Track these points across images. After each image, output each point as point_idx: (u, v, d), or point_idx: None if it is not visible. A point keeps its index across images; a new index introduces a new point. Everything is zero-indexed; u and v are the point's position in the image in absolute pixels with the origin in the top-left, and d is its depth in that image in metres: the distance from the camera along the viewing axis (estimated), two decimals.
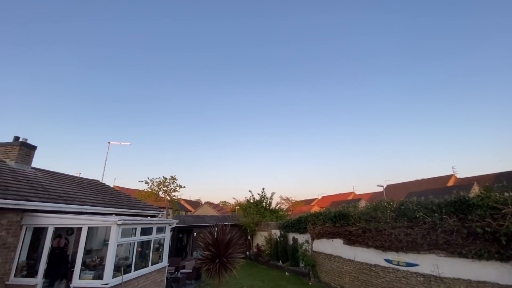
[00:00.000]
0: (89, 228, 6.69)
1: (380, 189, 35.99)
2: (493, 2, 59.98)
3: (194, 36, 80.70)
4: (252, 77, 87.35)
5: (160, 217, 11.70)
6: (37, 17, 61.21)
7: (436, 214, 7.94)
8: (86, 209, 8.00)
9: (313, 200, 64.61)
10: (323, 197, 63.00)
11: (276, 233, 18.38)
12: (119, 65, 76.04)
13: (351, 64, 77.69)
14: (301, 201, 63.46)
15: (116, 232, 6.50)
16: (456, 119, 73.69)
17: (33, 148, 9.65)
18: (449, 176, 37.70)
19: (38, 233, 6.89)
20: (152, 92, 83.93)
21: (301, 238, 15.36)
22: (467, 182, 30.90)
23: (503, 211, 6.38)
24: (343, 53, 77.00)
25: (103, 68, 73.55)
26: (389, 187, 43.08)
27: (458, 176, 37.42)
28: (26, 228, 6.58)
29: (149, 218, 10.18)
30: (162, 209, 13.74)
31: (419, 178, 42.62)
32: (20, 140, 9.25)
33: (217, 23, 79.95)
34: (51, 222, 6.62)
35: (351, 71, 79.45)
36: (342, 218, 11.99)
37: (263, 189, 24.67)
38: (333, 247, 12.39)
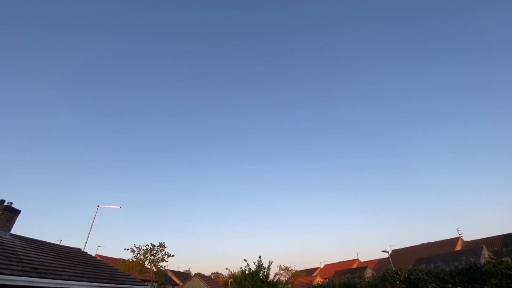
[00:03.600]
0: None
1: (386, 255, 33.51)
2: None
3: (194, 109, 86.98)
4: (251, 141, 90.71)
5: None
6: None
7: (449, 285, 7.28)
8: (61, 283, 7.11)
9: (315, 269, 58.98)
10: (325, 265, 57.78)
11: None
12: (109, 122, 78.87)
13: (352, 135, 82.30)
14: (302, 271, 57.73)
15: None
16: (459, 179, 74.42)
17: (17, 212, 9.18)
18: (456, 239, 35.98)
19: None
20: (144, 154, 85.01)
21: None
22: (475, 246, 29.36)
23: None
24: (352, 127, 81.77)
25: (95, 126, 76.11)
26: (395, 253, 40.32)
27: (464, 238, 35.80)
28: None
29: None
30: (146, 283, 12.29)
31: (425, 241, 40.60)
32: (6, 203, 8.86)
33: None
34: None
35: (354, 142, 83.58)
36: None
37: (260, 257, 22.61)
38: None
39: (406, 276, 8.86)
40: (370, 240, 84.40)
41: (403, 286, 8.64)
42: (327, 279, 14.68)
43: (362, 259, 52.33)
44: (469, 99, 71.83)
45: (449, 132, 72.53)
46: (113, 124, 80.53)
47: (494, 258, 6.81)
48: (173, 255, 27.48)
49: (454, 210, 72.51)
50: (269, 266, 22.25)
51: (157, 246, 26.84)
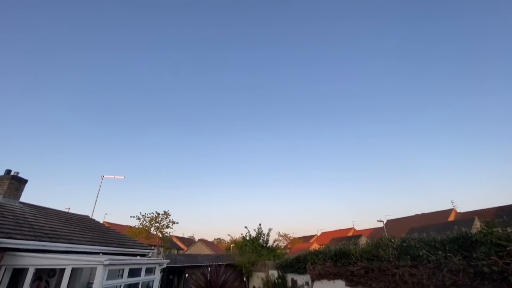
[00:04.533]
0: (72, 269, 6.22)
1: (381, 225, 34.98)
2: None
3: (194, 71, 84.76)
4: (248, 110, 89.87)
5: (150, 256, 11.02)
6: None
7: (440, 252, 7.64)
8: (72, 247, 7.53)
9: (312, 236, 62.00)
10: (322, 233, 60.62)
11: (274, 274, 17.23)
12: (116, 90, 77.93)
13: (352, 101, 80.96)
14: (300, 238, 60.82)
15: (102, 274, 6.04)
16: (455, 152, 74.80)
17: (24, 182, 9.41)
18: (450, 211, 37.16)
19: (17, 275, 6.38)
20: (147, 124, 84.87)
21: (301, 279, 14.38)
22: (468, 217, 30.40)
23: (507, 248, 6.17)
24: (347, 89, 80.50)
25: (99, 91, 75.09)
26: (390, 222, 41.97)
27: (458, 210, 36.95)
28: (5, 269, 6.11)
29: (138, 257, 9.57)
30: (152, 248, 13.01)
31: (419, 212, 41.92)
32: (12, 173, 9.06)
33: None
34: (33, 262, 6.17)
35: (353, 108, 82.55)
36: (343, 256, 11.40)
37: (260, 225, 23.72)
38: None
39: (398, 243, 9.27)
40: (366, 210, 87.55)
41: (395, 252, 9.08)
42: (324, 246, 15.46)
43: (357, 228, 54.70)
44: (462, 69, 68.91)
45: (441, 102, 71.18)
46: (120, 90, 79.01)
47: (485, 228, 7.03)
48: (178, 222, 28.83)
49: (449, 183, 73.92)
50: (268, 233, 23.44)
51: (162, 214, 28.01)
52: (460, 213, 36.09)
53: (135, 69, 77.25)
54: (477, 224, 23.45)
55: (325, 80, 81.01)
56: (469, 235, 7.38)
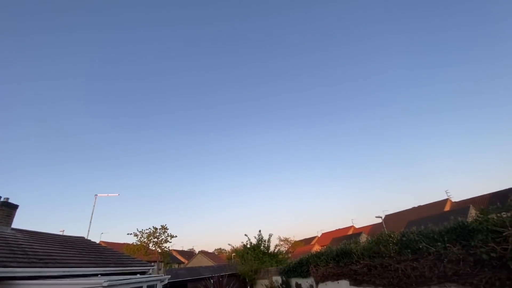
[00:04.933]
0: None
1: (379, 220, 35.21)
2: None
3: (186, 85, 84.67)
4: (244, 117, 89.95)
5: (150, 273, 10.78)
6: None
7: (439, 243, 7.74)
8: (69, 271, 7.31)
9: (313, 238, 61.93)
10: (322, 234, 60.66)
11: (278, 280, 17.06)
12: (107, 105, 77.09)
13: (348, 100, 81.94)
14: (301, 241, 60.68)
15: None
16: (446, 141, 76.15)
17: (15, 207, 9.14)
18: (445, 201, 37.81)
19: None
20: (139, 138, 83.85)
21: (305, 283, 14.28)
22: (463, 206, 30.99)
23: (504, 234, 6.30)
24: (342, 89, 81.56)
25: (91, 107, 73.98)
26: (388, 218, 42.37)
27: (453, 200, 37.63)
28: None
29: (138, 275, 9.35)
30: (152, 264, 12.76)
31: (416, 205, 42.51)
32: (2, 199, 8.79)
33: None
34: None
35: (347, 108, 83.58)
36: (345, 256, 11.41)
37: (260, 231, 23.55)
38: None
39: (398, 238, 9.36)
40: (364, 207, 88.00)
41: (396, 247, 9.15)
42: (325, 247, 15.45)
43: (357, 226, 55.00)
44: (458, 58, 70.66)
45: (435, 92, 72.79)
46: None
47: (481, 216, 7.17)
48: (176, 236, 28.34)
49: (442, 172, 75.12)
50: (269, 239, 23.25)
51: (160, 229, 27.48)
52: (455, 202, 36.79)
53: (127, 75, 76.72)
54: (472, 212, 23.90)
55: (324, 81, 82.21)
56: (466, 224, 7.50)
